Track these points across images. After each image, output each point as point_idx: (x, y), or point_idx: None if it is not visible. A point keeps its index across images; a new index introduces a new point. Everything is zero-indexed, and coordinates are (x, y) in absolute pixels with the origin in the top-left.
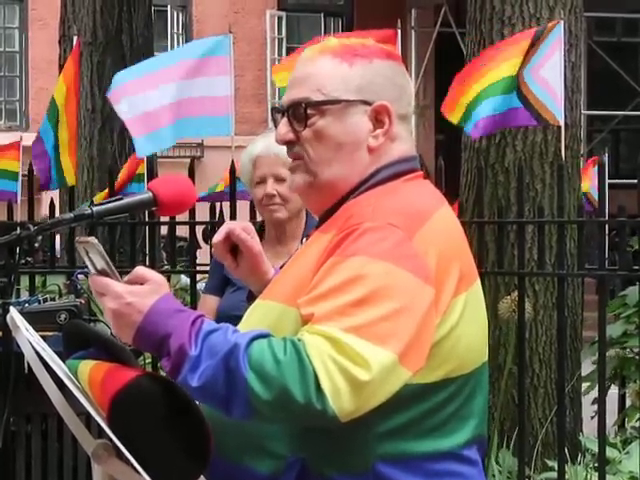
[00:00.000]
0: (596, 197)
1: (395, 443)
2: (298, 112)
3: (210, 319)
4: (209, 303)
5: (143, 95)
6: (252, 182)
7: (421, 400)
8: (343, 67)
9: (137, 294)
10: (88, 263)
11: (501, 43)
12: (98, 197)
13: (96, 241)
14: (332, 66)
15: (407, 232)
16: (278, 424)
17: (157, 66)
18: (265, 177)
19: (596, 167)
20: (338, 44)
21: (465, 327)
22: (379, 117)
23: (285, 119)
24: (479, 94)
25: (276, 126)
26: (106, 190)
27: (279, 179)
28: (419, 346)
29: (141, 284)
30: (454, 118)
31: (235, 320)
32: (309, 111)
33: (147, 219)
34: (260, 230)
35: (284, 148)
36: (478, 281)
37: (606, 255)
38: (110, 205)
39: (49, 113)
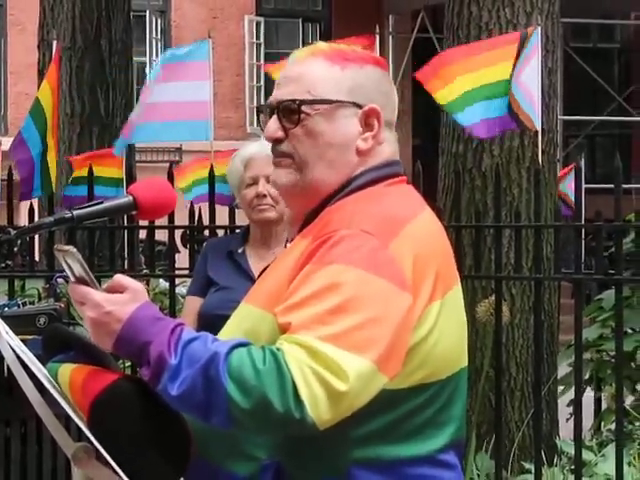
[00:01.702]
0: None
1: (370, 448)
2: (289, 109)
3: (190, 326)
4: (193, 304)
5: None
6: (242, 184)
7: (396, 406)
8: (335, 69)
9: (116, 302)
10: (67, 271)
11: (488, 42)
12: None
13: (75, 250)
14: (324, 68)
15: (382, 239)
16: (256, 433)
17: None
18: (257, 178)
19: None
20: (329, 48)
21: (440, 334)
22: (369, 120)
23: (275, 117)
24: (478, 89)
25: (261, 126)
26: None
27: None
28: (396, 352)
29: (120, 292)
30: (441, 99)
31: (217, 319)
32: (301, 108)
33: (126, 223)
34: (245, 234)
35: None
36: (458, 287)
37: (582, 259)
38: (90, 209)
39: (34, 115)
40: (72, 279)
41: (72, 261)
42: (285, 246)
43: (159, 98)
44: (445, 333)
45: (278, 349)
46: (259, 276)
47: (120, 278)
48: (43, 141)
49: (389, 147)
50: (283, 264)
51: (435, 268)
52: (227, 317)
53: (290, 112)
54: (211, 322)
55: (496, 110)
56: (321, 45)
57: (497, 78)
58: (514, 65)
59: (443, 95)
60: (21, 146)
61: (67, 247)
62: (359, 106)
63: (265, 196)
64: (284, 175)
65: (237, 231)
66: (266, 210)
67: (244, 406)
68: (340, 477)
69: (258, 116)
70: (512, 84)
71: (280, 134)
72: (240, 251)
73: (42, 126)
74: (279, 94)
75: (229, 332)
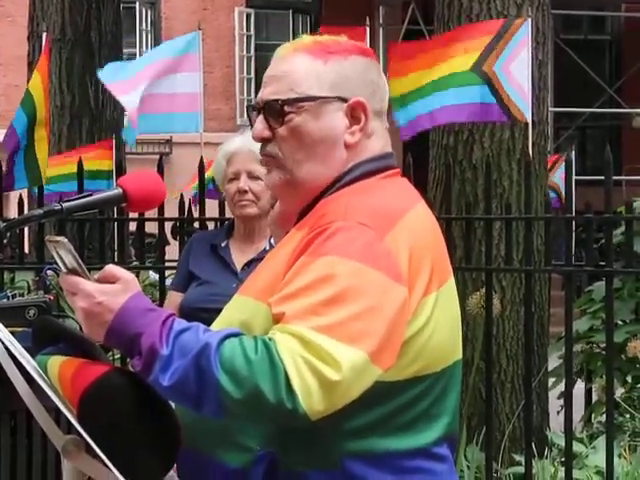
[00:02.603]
0: (563, 190)
1: (364, 440)
2: (274, 109)
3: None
4: (173, 299)
5: (133, 92)
6: (225, 179)
7: (390, 398)
8: (317, 64)
9: (108, 293)
10: (59, 262)
11: (466, 27)
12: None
13: (66, 240)
14: (307, 64)
15: (378, 231)
16: (249, 423)
17: (141, 65)
18: (239, 173)
19: (562, 164)
20: (312, 42)
21: (435, 326)
22: (355, 113)
23: (261, 116)
24: (417, 89)
25: (251, 124)
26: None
27: (252, 176)
28: (390, 344)
29: (112, 283)
30: (394, 90)
31: (198, 312)
32: (285, 108)
33: (116, 215)
34: (230, 228)
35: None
36: (451, 280)
37: (573, 251)
38: (80, 201)
39: (25, 107)
40: (64, 270)
41: (64, 252)
42: (269, 241)
43: (149, 91)
44: (440, 325)
45: (270, 339)
46: (242, 269)
47: (112, 268)
48: (29, 133)
49: (379, 139)
50: (278, 256)
51: (431, 260)
52: (208, 310)
53: (275, 112)
54: (192, 315)
55: (464, 97)
56: (304, 39)
57: (454, 70)
58: (494, 55)
59: (394, 86)
60: (13, 139)
61: (59, 238)
62: (344, 100)
63: (246, 192)
64: (275, 176)
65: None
66: (247, 206)
67: (236, 396)
68: (334, 469)
69: (249, 115)
70: (499, 75)
71: (267, 134)
72: (224, 245)
73: (31, 118)
74: (264, 94)
75: (223, 323)
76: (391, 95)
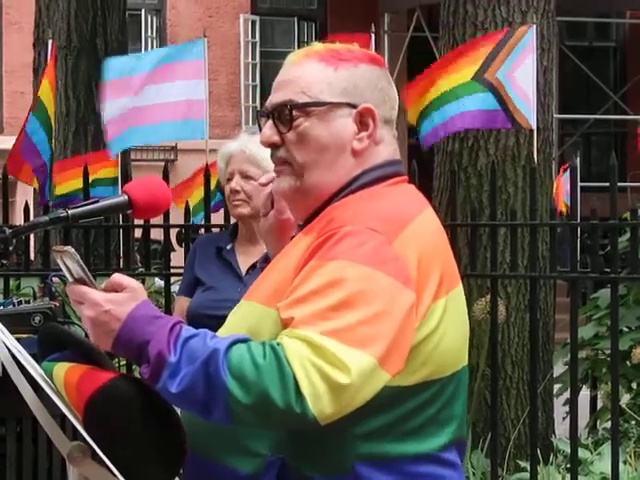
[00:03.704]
0: (568, 202)
1: (374, 445)
2: (283, 114)
3: (187, 324)
4: (181, 304)
5: (123, 99)
6: (224, 180)
7: (399, 403)
8: (328, 70)
9: (115, 302)
10: (65, 272)
11: (471, 43)
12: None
13: (73, 250)
14: (318, 69)
15: (387, 236)
16: (258, 429)
17: (137, 69)
18: (233, 173)
19: (567, 173)
20: (324, 48)
21: (444, 331)
22: (363, 120)
23: (270, 122)
24: (431, 103)
25: (261, 130)
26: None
27: (245, 176)
28: (399, 349)
29: (118, 291)
30: (411, 118)
31: (205, 319)
32: (294, 113)
33: (121, 222)
34: (234, 231)
35: (253, 146)
36: (460, 285)
37: (578, 258)
38: (86, 208)
39: (40, 117)
40: (70, 279)
41: (70, 261)
42: None
43: (154, 100)
44: (449, 330)
45: (278, 344)
46: (247, 273)
47: (118, 277)
48: (50, 144)
49: (386, 146)
50: (285, 261)
51: (440, 266)
52: (214, 316)
53: (283, 116)
54: (199, 322)
55: (468, 105)
56: (316, 46)
57: (458, 82)
58: (498, 62)
59: (411, 115)
60: (34, 152)
61: (65, 247)
62: (353, 106)
63: (238, 192)
64: (284, 181)
65: None
66: (239, 206)
67: (244, 402)
68: (345, 474)
69: (259, 120)
70: (503, 82)
71: (275, 139)
72: (229, 247)
73: (47, 128)
74: (274, 98)
75: (231, 329)
76: (410, 121)
